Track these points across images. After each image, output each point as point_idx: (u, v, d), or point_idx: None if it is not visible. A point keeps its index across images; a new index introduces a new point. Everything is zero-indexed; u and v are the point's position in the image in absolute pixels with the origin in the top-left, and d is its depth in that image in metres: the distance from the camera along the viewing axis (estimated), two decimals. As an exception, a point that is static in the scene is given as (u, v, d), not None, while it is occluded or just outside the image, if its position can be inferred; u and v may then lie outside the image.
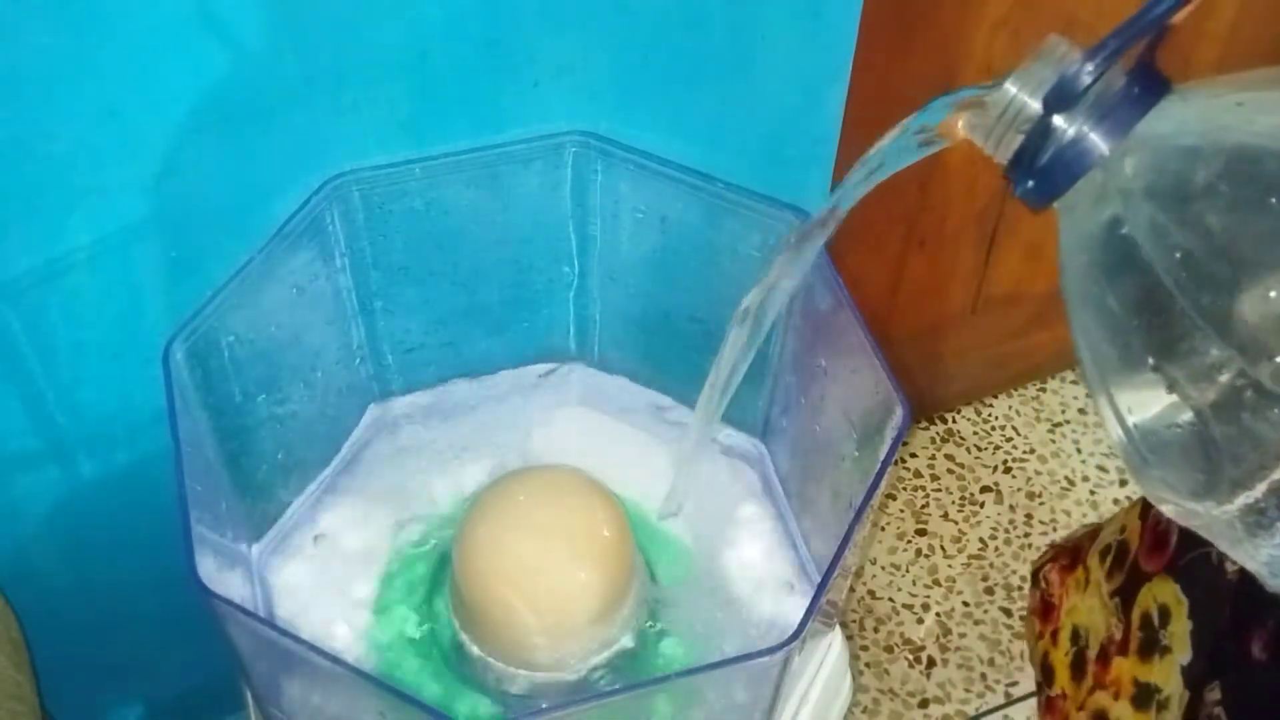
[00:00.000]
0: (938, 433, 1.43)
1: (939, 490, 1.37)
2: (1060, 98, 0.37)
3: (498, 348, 0.81)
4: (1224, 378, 0.34)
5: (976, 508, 1.35)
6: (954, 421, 1.44)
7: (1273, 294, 0.33)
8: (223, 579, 0.62)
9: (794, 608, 0.71)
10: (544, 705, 0.65)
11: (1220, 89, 0.37)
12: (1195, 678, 0.71)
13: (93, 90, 0.60)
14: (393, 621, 0.70)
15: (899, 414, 0.59)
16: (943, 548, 1.32)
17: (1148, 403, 0.36)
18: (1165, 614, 0.74)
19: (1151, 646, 0.75)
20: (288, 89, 0.65)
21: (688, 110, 0.76)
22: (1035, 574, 0.94)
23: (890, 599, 1.27)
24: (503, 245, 0.76)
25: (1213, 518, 0.35)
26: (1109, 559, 0.81)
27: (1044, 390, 1.47)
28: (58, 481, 0.77)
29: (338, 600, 0.71)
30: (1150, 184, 0.36)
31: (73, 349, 0.71)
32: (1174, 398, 0.35)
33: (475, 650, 0.67)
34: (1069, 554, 0.91)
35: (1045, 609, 0.89)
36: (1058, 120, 0.38)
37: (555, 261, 0.78)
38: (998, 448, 1.41)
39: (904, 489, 1.37)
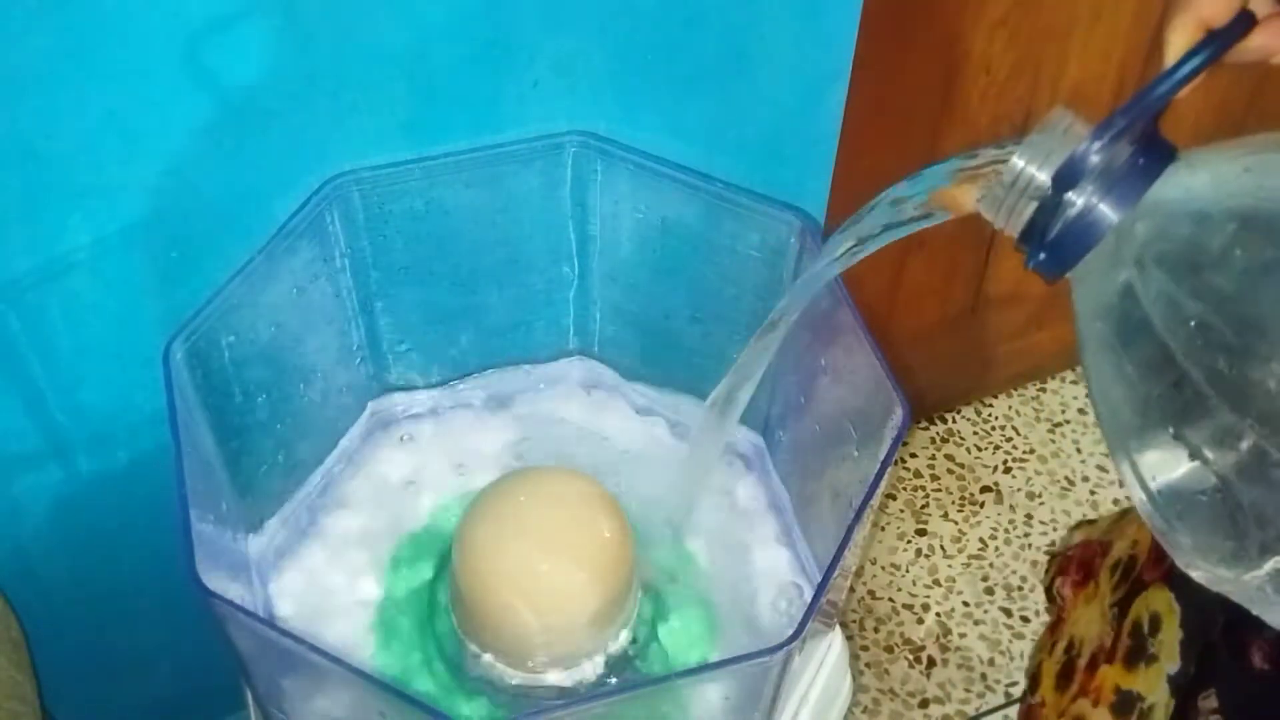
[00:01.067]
0: (937, 433, 1.43)
1: (939, 490, 1.37)
2: (1069, 176, 0.37)
3: (498, 348, 0.81)
4: (1245, 443, 0.34)
5: (976, 508, 1.35)
6: (954, 421, 1.44)
7: None
8: (222, 579, 0.62)
9: (794, 608, 0.71)
10: (544, 705, 0.65)
11: (1227, 154, 0.37)
12: (1184, 686, 0.70)
13: (93, 90, 0.60)
14: (392, 620, 0.70)
15: (899, 414, 0.59)
16: (943, 548, 1.32)
17: (1170, 468, 0.36)
18: (1156, 622, 0.73)
19: (1139, 654, 0.74)
20: (288, 89, 0.65)
21: (687, 110, 0.76)
22: (1049, 589, 0.94)
23: (890, 599, 1.27)
24: (502, 245, 0.76)
25: (1244, 583, 0.35)
26: (1118, 573, 0.81)
27: (1044, 390, 1.47)
28: (58, 482, 0.77)
29: (337, 599, 0.71)
30: (1160, 252, 0.36)
31: (73, 349, 0.71)
32: (1196, 464, 0.35)
33: (475, 650, 0.67)
34: (1080, 569, 0.90)
35: (1056, 624, 0.89)
36: (1072, 193, 0.38)
37: (555, 261, 0.78)
38: (997, 448, 1.41)
39: (904, 489, 1.37)
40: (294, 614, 0.70)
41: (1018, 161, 0.39)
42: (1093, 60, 1.07)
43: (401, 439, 0.79)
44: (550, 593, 0.65)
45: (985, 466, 1.39)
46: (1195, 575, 0.37)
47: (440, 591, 0.70)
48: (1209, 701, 0.63)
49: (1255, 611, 0.36)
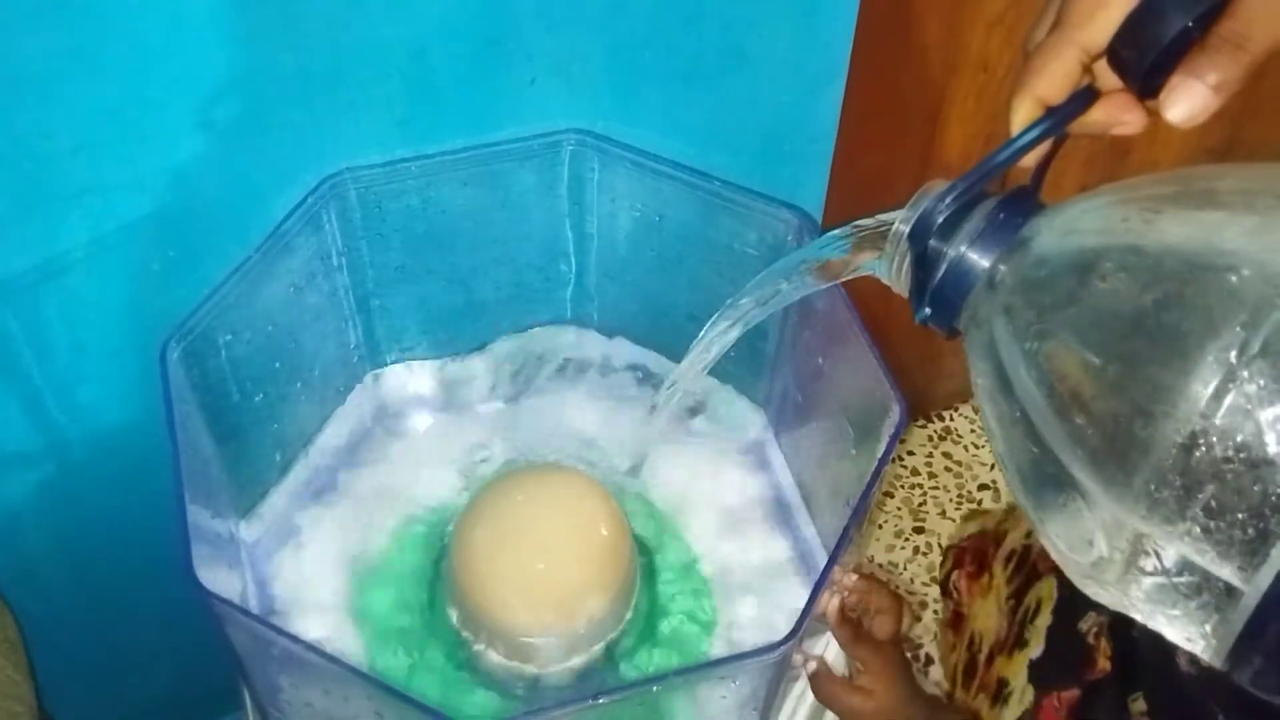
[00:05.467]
0: (935, 431, 1.43)
1: (936, 488, 1.37)
2: (919, 233, 0.41)
3: (495, 345, 0.81)
4: (1084, 464, 0.36)
5: (974, 505, 1.36)
6: (951, 419, 1.44)
7: (1122, 387, 0.35)
8: (220, 578, 0.62)
9: (792, 605, 0.71)
10: (544, 704, 0.65)
11: (1083, 198, 0.39)
12: (1044, 676, 0.70)
13: (91, 90, 0.60)
14: (390, 617, 0.70)
15: (896, 412, 0.59)
16: (940, 545, 1.32)
17: (1044, 489, 0.38)
18: (1036, 610, 0.73)
19: (1018, 642, 0.74)
20: (285, 88, 0.65)
21: (684, 108, 0.76)
22: (944, 584, 0.94)
23: (888, 597, 1.27)
24: (500, 244, 0.76)
25: (1117, 592, 0.36)
26: (1012, 564, 0.81)
27: (1041, 388, 1.47)
28: (56, 481, 0.77)
29: (335, 596, 0.71)
30: (1014, 299, 0.39)
31: (71, 348, 0.71)
32: (1057, 480, 0.37)
33: (475, 647, 0.67)
34: (974, 559, 0.90)
35: (956, 619, 0.89)
36: (945, 248, 0.41)
37: (552, 260, 0.78)
38: (995, 445, 1.41)
39: (901, 487, 1.37)
40: (292, 612, 0.70)
41: (900, 226, 0.42)
42: (1090, 58, 1.08)
43: (398, 435, 0.79)
44: (548, 590, 0.65)
45: (983, 464, 1.40)
46: (1088, 590, 0.38)
47: (438, 587, 0.70)
48: (1138, 704, 0.64)
49: (1137, 618, 0.37)
